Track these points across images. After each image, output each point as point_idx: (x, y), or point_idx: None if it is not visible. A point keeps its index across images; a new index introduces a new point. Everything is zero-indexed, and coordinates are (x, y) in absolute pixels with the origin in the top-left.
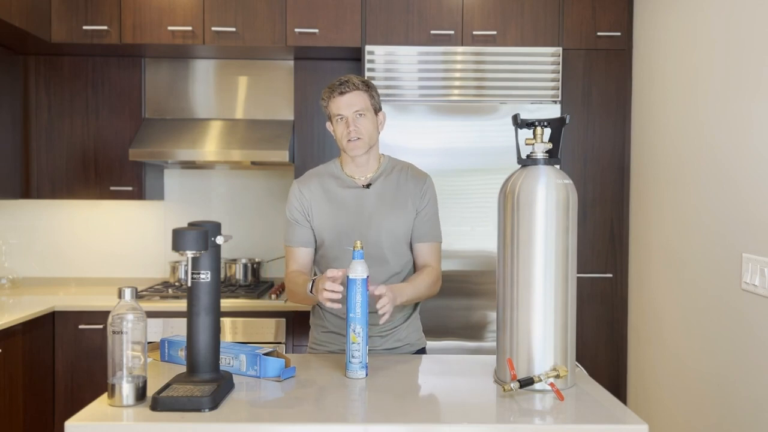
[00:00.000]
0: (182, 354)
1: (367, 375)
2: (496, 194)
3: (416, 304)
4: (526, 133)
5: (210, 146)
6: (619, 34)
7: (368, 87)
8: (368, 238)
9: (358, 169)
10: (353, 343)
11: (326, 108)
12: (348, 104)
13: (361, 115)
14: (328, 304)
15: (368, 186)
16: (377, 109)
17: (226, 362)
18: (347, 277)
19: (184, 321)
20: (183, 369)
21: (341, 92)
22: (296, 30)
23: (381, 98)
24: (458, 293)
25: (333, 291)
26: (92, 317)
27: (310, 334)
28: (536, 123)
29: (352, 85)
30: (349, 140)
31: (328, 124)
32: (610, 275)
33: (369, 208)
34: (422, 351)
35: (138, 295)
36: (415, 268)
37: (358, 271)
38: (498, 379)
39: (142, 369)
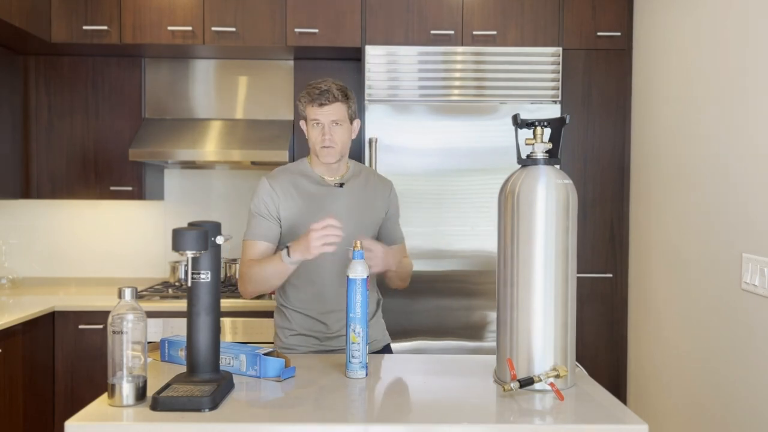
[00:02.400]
0: (182, 354)
1: (367, 375)
2: (496, 194)
3: (378, 301)
4: (526, 133)
5: (210, 146)
6: (619, 34)
7: (347, 98)
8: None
9: (329, 171)
10: (353, 343)
11: (302, 111)
12: (326, 113)
13: (337, 124)
14: (328, 249)
15: (341, 185)
16: (353, 119)
17: (226, 362)
18: (347, 276)
19: (184, 321)
20: (183, 369)
21: (321, 104)
22: (296, 30)
23: (381, 98)
24: (458, 293)
25: (329, 234)
26: (92, 317)
27: (276, 338)
28: (536, 123)
29: (332, 96)
30: (323, 146)
31: (301, 122)
32: (610, 275)
33: (342, 206)
34: (387, 347)
35: (138, 295)
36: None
37: (358, 271)
38: (498, 379)
39: (142, 369)
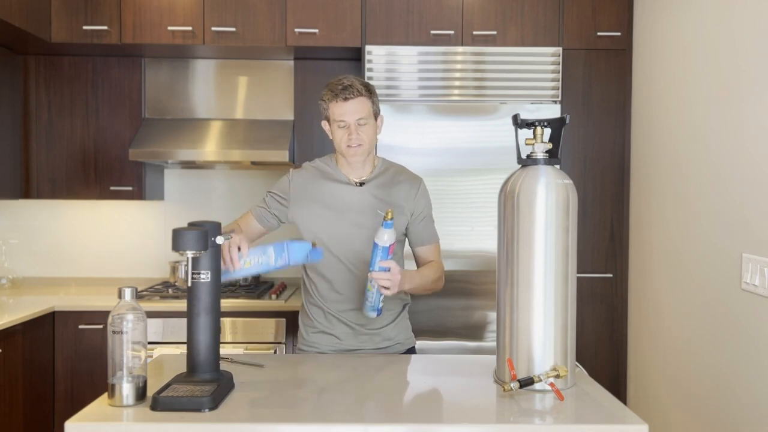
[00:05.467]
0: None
1: (378, 315)
2: (496, 194)
3: (405, 305)
4: (526, 133)
5: (210, 146)
6: (619, 34)
7: (370, 93)
8: (359, 236)
9: (354, 171)
10: (368, 290)
11: (326, 110)
12: (351, 111)
13: (362, 123)
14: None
15: (361, 184)
16: (377, 114)
17: (256, 261)
18: (374, 242)
19: (184, 321)
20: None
21: (345, 98)
22: (296, 30)
23: (381, 98)
24: (458, 293)
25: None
26: (92, 317)
27: (299, 335)
28: (536, 123)
29: (356, 90)
30: (350, 146)
31: (324, 123)
32: (610, 275)
33: (361, 206)
34: (412, 350)
35: (138, 295)
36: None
37: (384, 238)
38: (498, 379)
39: (142, 369)
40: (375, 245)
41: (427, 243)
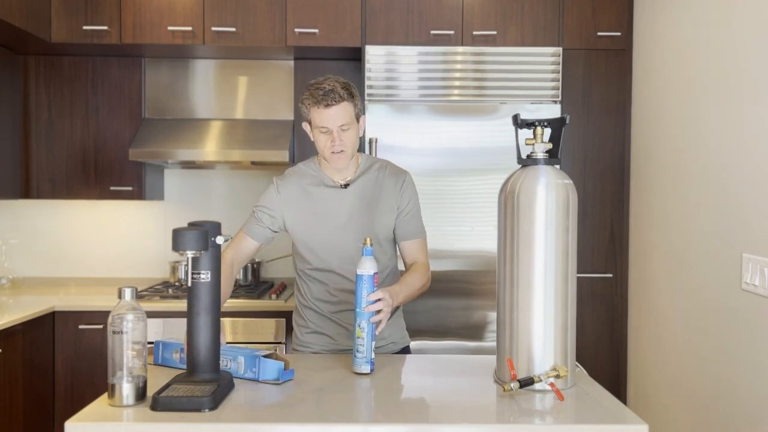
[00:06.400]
0: (177, 357)
1: (372, 370)
2: (496, 194)
3: (399, 306)
4: (526, 133)
5: (210, 146)
6: (619, 34)
7: (352, 96)
8: (346, 239)
9: (337, 172)
10: (358, 338)
11: (307, 113)
12: (333, 117)
13: (345, 129)
14: None
15: (346, 186)
16: (359, 116)
17: (223, 365)
18: (357, 273)
19: (184, 321)
20: (178, 372)
21: (327, 105)
22: (296, 30)
23: (381, 98)
24: (458, 293)
25: None
26: (92, 317)
27: (293, 336)
28: (536, 123)
29: (338, 96)
30: (333, 152)
31: (305, 124)
32: (610, 275)
33: (347, 208)
34: (406, 349)
35: (138, 295)
36: (404, 266)
37: (366, 267)
38: (498, 379)
39: (142, 369)
40: (358, 277)
41: (412, 237)
